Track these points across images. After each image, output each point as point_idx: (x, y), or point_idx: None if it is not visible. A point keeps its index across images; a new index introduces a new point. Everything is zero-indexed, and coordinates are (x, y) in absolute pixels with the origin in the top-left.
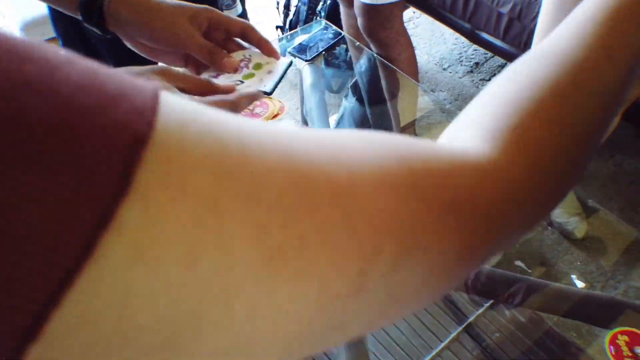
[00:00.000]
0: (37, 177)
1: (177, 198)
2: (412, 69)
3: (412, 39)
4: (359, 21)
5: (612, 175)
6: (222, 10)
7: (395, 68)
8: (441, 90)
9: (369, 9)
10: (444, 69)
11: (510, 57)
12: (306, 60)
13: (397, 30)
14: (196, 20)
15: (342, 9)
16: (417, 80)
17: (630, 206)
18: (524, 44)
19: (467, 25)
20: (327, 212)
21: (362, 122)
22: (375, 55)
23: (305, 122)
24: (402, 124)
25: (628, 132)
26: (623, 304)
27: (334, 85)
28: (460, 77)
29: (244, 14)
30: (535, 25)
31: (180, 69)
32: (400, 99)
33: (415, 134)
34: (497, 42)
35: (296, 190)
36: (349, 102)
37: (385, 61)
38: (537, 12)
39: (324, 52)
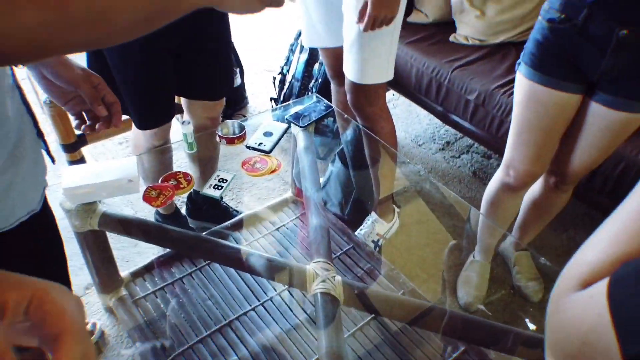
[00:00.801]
0: None
1: None
2: (392, 141)
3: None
4: (348, 97)
5: (565, 247)
6: None
7: (378, 139)
8: (416, 164)
9: (357, 87)
10: (419, 145)
11: (477, 138)
12: (301, 127)
13: (380, 106)
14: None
15: (332, 86)
16: (396, 150)
17: None
18: (488, 127)
19: (439, 107)
20: None
21: (347, 185)
22: (361, 126)
23: (295, 182)
24: (382, 191)
25: (579, 209)
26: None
27: (321, 152)
28: (433, 154)
29: (242, 86)
30: (497, 112)
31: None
32: (381, 166)
33: (394, 202)
34: (465, 123)
35: None
36: (335, 167)
37: (370, 132)
38: (498, 101)
39: (316, 121)
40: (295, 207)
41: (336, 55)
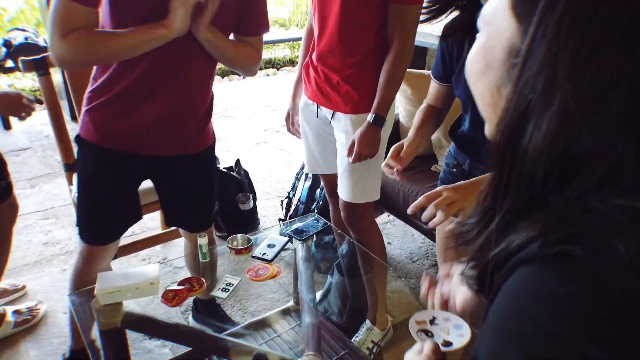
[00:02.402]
0: None
1: None
2: (382, 251)
3: (388, 237)
4: (342, 214)
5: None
6: (237, 203)
7: (368, 252)
8: (410, 278)
9: (349, 206)
10: (414, 262)
11: None
12: (300, 240)
13: (369, 221)
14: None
15: (330, 206)
16: (386, 261)
17: None
18: None
19: (425, 226)
20: None
21: (345, 294)
22: (353, 240)
23: (297, 292)
24: (375, 300)
25: None
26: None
27: (322, 267)
28: (427, 269)
29: (254, 209)
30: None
31: None
32: (373, 277)
33: (386, 310)
34: None
35: None
36: (334, 278)
37: (360, 245)
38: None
39: (313, 235)
40: (297, 315)
41: (332, 180)
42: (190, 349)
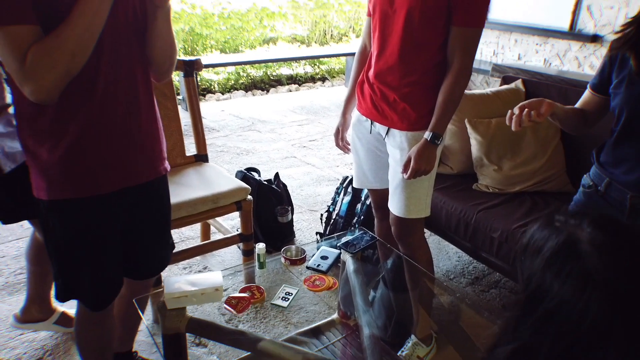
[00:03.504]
0: None
1: None
2: (430, 268)
3: None
4: (393, 229)
5: None
6: (276, 216)
7: (417, 265)
8: (449, 295)
9: (400, 221)
10: (450, 279)
11: (504, 272)
12: (350, 253)
13: (419, 236)
14: None
15: (376, 221)
16: (433, 277)
17: None
18: (512, 261)
19: (468, 244)
20: None
21: (389, 308)
22: (402, 254)
23: (340, 305)
24: (421, 314)
25: None
26: None
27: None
28: (464, 287)
29: (291, 222)
30: (518, 248)
31: None
32: (420, 291)
33: (432, 327)
34: (492, 258)
35: None
36: (378, 292)
37: (410, 260)
38: (519, 238)
39: (362, 249)
40: (341, 328)
41: (381, 195)
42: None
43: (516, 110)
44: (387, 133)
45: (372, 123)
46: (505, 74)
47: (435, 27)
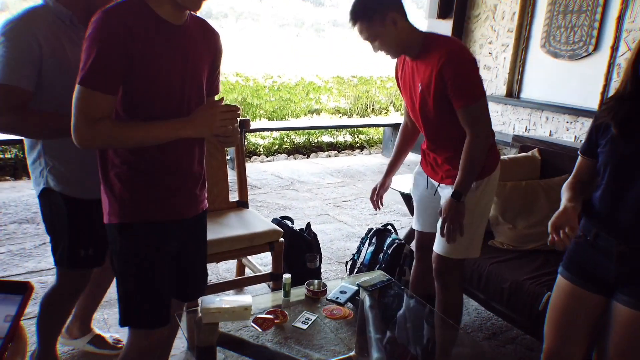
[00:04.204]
0: None
1: None
2: (457, 313)
3: None
4: (434, 266)
5: None
6: (305, 262)
7: (436, 311)
8: (465, 346)
9: (440, 258)
10: (468, 333)
11: (513, 321)
12: (368, 290)
13: (456, 278)
14: None
15: (415, 262)
16: (459, 325)
17: None
18: (521, 310)
19: (481, 295)
20: None
21: (404, 345)
22: (424, 302)
23: (357, 344)
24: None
25: None
26: None
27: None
28: (480, 341)
29: (319, 269)
30: (527, 298)
31: None
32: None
33: None
34: (503, 308)
35: None
36: (396, 331)
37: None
38: (527, 288)
39: (379, 288)
40: None
41: (426, 237)
42: None
43: (553, 232)
44: (438, 186)
45: (427, 178)
46: (523, 143)
47: (451, 121)
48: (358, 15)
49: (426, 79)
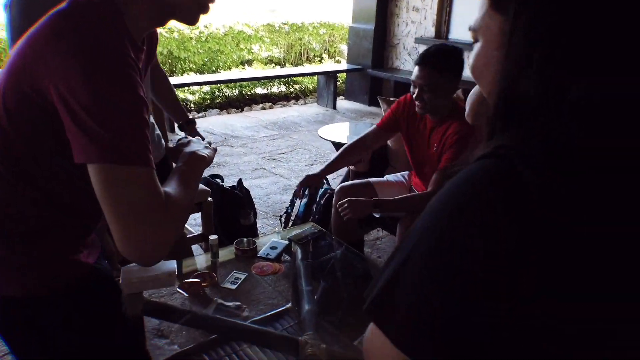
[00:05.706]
0: None
1: None
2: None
3: (379, 252)
4: None
5: None
6: (239, 219)
7: (360, 253)
8: None
9: None
10: None
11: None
12: (299, 244)
13: None
14: None
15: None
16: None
17: None
18: None
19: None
20: None
21: (338, 294)
22: (349, 246)
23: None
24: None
25: None
26: None
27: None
28: None
29: (254, 225)
30: None
31: None
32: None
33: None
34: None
35: None
36: (329, 281)
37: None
38: None
39: (311, 240)
40: (295, 315)
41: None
42: (193, 345)
43: None
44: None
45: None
46: None
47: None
48: (436, 64)
49: (440, 146)
